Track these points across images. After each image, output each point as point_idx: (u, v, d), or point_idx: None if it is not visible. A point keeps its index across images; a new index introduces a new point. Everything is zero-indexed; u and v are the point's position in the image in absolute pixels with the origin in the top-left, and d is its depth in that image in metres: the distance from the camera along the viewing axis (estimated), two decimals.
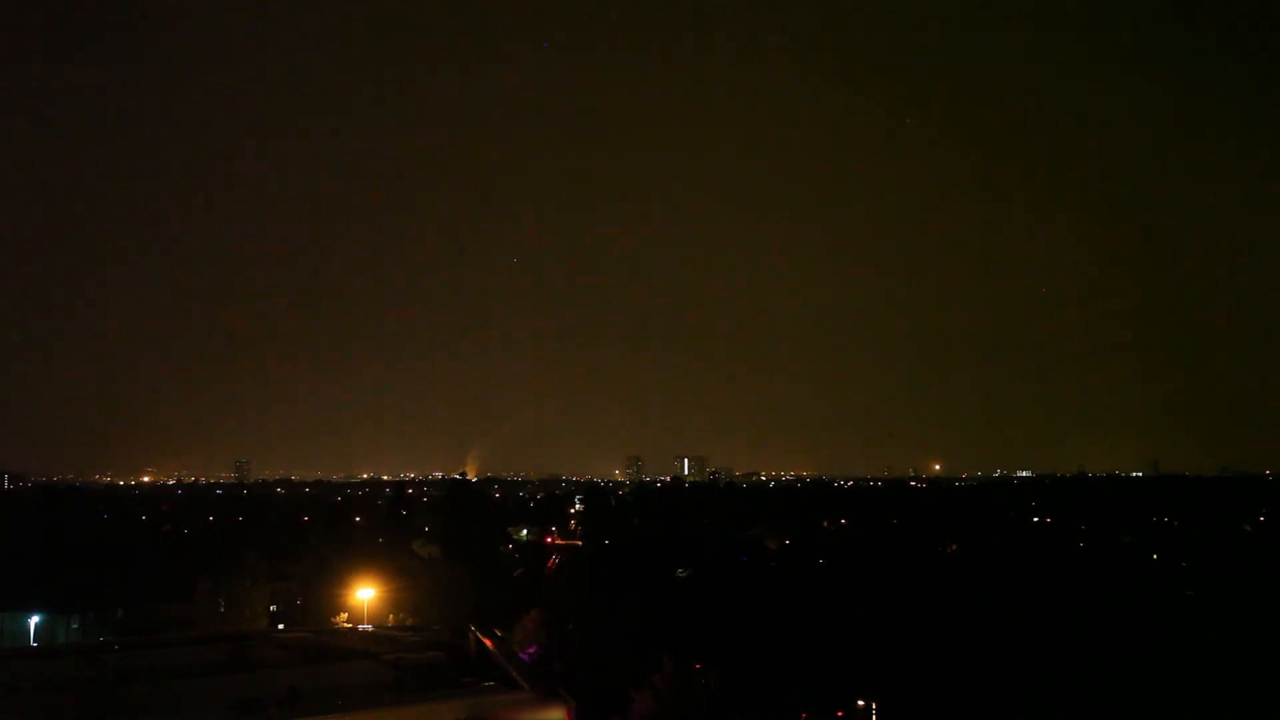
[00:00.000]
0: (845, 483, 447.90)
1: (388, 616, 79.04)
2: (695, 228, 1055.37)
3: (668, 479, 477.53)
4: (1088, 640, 62.66)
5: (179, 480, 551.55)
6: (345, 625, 70.71)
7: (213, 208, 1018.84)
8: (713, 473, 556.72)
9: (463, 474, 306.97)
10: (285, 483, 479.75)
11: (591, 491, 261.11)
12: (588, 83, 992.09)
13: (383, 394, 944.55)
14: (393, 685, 32.57)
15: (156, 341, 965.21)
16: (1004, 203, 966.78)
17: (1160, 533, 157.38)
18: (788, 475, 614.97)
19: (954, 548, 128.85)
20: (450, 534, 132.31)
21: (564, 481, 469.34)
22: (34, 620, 74.81)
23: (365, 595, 71.14)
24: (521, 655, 50.92)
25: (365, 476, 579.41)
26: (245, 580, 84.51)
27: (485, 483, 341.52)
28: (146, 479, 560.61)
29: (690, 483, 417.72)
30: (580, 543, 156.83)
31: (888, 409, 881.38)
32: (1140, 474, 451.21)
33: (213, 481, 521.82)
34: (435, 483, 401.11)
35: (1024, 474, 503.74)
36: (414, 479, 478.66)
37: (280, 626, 74.27)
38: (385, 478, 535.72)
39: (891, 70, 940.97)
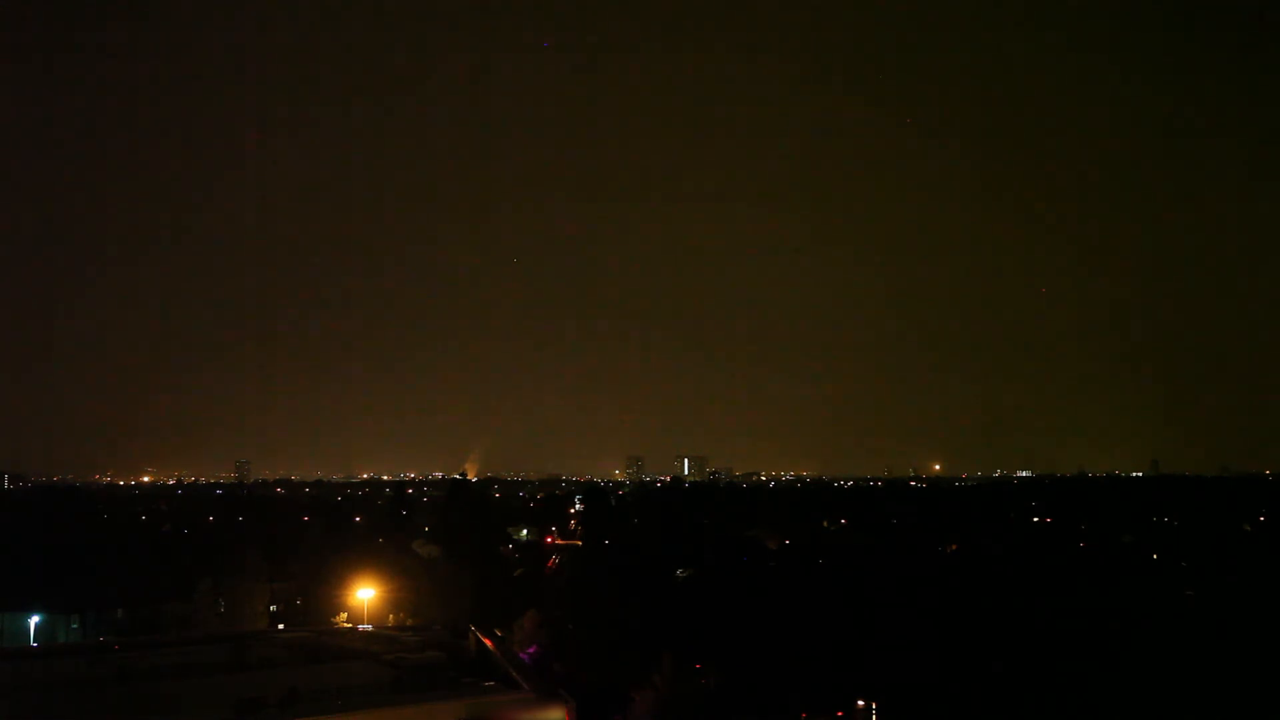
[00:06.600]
0: (845, 483, 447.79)
1: (388, 616, 79.05)
2: (695, 228, 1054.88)
3: (668, 479, 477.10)
4: (1088, 640, 62.65)
5: (179, 480, 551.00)
6: (345, 625, 70.73)
7: (213, 208, 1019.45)
8: (713, 473, 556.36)
9: (463, 474, 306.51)
10: (285, 483, 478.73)
11: (591, 491, 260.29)
12: (588, 82, 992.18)
13: (383, 394, 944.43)
14: (392, 685, 32.55)
15: (156, 342, 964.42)
16: (1004, 203, 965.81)
17: (1160, 533, 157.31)
18: (788, 475, 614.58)
19: (954, 548, 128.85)
20: (450, 534, 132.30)
21: (564, 481, 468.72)
22: (34, 620, 74.85)
23: (365, 595, 71.14)
24: (521, 655, 50.91)
25: (365, 476, 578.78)
26: (245, 580, 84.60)
27: (485, 483, 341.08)
28: (146, 479, 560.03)
29: (690, 483, 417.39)
30: (580, 543, 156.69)
31: (888, 409, 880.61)
32: (1140, 474, 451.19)
33: (213, 481, 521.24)
34: (435, 483, 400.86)
35: (1024, 474, 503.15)
36: (414, 479, 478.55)
37: (280, 626, 74.25)
38: (385, 478, 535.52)
39: (891, 70, 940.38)
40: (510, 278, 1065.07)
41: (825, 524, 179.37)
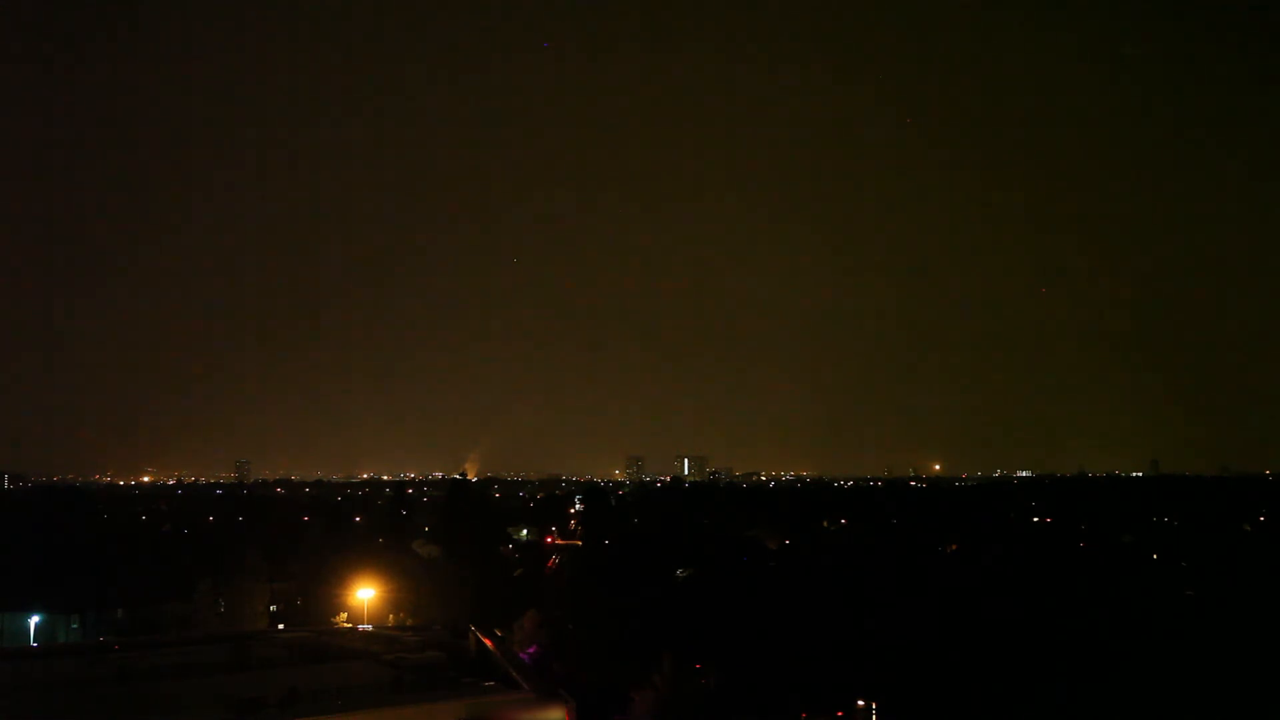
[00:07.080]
0: (845, 483, 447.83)
1: (388, 616, 79.07)
2: (694, 228, 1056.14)
3: (668, 479, 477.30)
4: (1088, 640, 62.67)
5: (179, 480, 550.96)
6: (345, 625, 70.74)
7: (213, 207, 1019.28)
8: (713, 473, 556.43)
9: (463, 474, 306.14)
10: (285, 483, 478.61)
11: (591, 491, 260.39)
12: (588, 82, 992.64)
13: (383, 394, 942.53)
14: (392, 685, 32.55)
15: (156, 342, 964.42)
16: (1004, 203, 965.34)
17: (1160, 533, 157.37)
18: (788, 475, 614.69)
19: (954, 548, 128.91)
20: (450, 534, 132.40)
21: (564, 481, 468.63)
22: (34, 620, 74.86)
23: (365, 595, 71.17)
24: (521, 655, 50.93)
25: (365, 476, 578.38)
26: (245, 580, 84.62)
27: (485, 483, 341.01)
28: (146, 479, 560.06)
29: (690, 483, 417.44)
30: (580, 543, 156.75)
31: (888, 409, 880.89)
32: (1140, 474, 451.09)
33: (213, 481, 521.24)
34: (435, 483, 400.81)
35: (1024, 474, 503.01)
36: (414, 479, 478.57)
37: (280, 626, 74.25)
38: (385, 478, 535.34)
39: (891, 70, 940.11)
40: (510, 277, 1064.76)
41: (825, 524, 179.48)
